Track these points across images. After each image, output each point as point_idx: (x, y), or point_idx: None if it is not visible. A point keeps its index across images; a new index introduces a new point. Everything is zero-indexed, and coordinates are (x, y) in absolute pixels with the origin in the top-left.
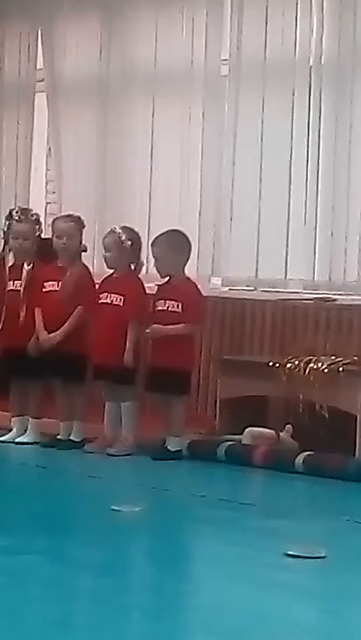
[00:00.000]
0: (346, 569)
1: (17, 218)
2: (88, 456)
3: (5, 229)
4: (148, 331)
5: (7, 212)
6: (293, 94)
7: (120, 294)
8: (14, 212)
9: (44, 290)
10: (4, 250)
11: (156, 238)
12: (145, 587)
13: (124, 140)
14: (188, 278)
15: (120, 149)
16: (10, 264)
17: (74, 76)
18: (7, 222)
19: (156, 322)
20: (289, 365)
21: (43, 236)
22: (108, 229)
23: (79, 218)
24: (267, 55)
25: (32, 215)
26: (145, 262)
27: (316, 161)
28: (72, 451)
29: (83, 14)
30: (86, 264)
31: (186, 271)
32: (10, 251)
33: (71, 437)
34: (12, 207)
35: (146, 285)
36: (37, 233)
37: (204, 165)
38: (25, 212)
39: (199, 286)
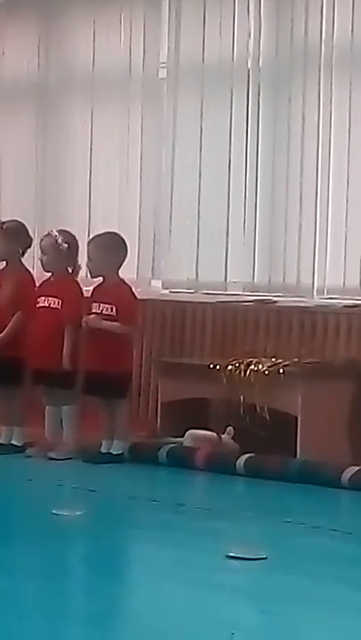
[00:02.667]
0: (287, 570)
1: None
2: (29, 460)
3: None
4: (84, 320)
5: None
6: (232, 97)
7: (58, 297)
8: None
9: None
10: None
11: (91, 239)
12: (85, 591)
13: (62, 143)
14: (122, 280)
15: (59, 153)
16: None
17: (11, 78)
18: None
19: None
20: (230, 367)
21: None
22: (45, 232)
23: (3, 223)
24: (205, 58)
25: None
26: (82, 265)
27: (255, 163)
28: (13, 455)
29: (20, 18)
30: (28, 268)
31: (121, 274)
32: None
33: (12, 442)
34: None
35: (84, 289)
36: None
37: (144, 168)
38: None
39: (133, 289)
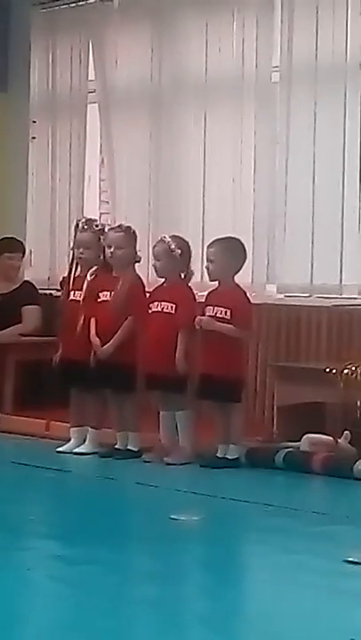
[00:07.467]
0: None
1: (81, 228)
2: (146, 465)
3: (73, 240)
4: (197, 321)
5: (75, 223)
6: (345, 98)
7: (171, 302)
8: (80, 223)
9: (98, 300)
10: (72, 261)
11: (213, 241)
12: (204, 596)
13: (176, 148)
14: (237, 285)
15: (172, 158)
16: (76, 274)
17: (125, 86)
18: (75, 233)
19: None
20: (346, 371)
21: None
22: (159, 238)
23: (129, 228)
24: (318, 60)
25: (96, 225)
26: (194, 271)
27: None
28: (130, 460)
29: (133, 24)
30: (139, 274)
31: (236, 280)
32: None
33: (129, 447)
34: (80, 218)
35: (197, 294)
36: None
37: (257, 172)
38: (89, 222)
39: (248, 294)
